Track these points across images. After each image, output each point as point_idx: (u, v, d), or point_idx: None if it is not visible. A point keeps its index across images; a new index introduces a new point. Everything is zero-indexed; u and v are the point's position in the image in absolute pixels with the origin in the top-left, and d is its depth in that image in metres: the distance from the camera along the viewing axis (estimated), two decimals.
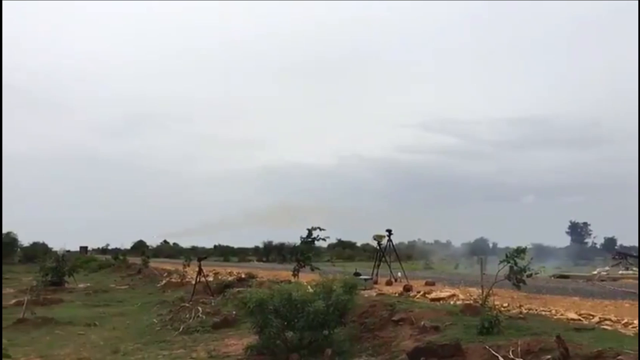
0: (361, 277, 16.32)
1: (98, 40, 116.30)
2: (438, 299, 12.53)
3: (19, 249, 53.81)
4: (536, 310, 10.67)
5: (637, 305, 10.54)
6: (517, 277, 8.96)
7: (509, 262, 8.99)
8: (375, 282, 17.18)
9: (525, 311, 10.49)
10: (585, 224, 75.41)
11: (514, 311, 10.39)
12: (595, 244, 74.03)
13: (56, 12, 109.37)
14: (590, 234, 76.10)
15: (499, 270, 9.18)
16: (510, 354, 6.73)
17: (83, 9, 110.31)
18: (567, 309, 10.48)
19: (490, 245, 56.58)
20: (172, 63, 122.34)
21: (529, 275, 8.93)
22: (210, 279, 21.15)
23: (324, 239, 17.27)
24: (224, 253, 67.51)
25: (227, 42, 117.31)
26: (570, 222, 75.67)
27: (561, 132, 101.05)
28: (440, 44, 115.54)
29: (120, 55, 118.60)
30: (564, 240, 73.49)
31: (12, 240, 51.37)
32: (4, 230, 50.11)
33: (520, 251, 8.99)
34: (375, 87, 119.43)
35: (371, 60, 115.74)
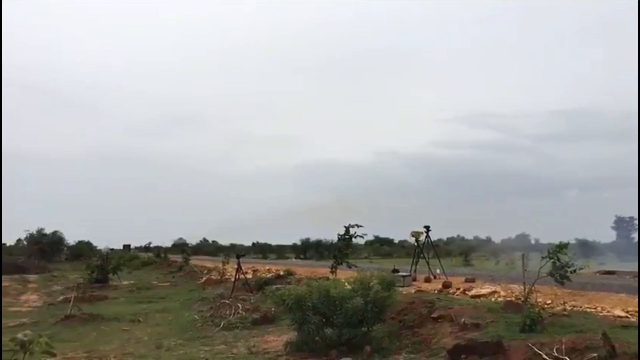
0: (399, 274, 16.20)
1: (134, 43, 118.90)
2: (478, 296, 12.33)
3: (65, 248, 55.54)
4: (581, 307, 10.37)
5: None
6: (561, 274, 8.74)
7: (551, 258, 8.77)
8: (414, 279, 17.04)
9: (569, 308, 10.22)
10: (632, 218, 72.71)
11: (557, 308, 10.12)
12: None
13: (94, 15, 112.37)
14: (637, 229, 73.37)
15: (541, 267, 8.97)
16: (555, 351, 6.58)
17: (119, 12, 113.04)
18: (613, 306, 10.15)
19: (533, 241, 55.20)
20: (208, 63, 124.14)
21: (573, 271, 8.70)
22: (249, 276, 21.39)
23: (361, 236, 17.24)
24: (262, 250, 68.24)
25: (262, 41, 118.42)
26: (616, 216, 73.20)
27: (604, 123, 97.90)
28: (477, 37, 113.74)
29: (156, 57, 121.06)
30: (610, 236, 71.16)
31: (59, 239, 53.12)
32: (51, 230, 52.01)
33: (562, 246, 8.76)
34: (412, 82, 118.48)
35: (407, 55, 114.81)
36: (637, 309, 9.70)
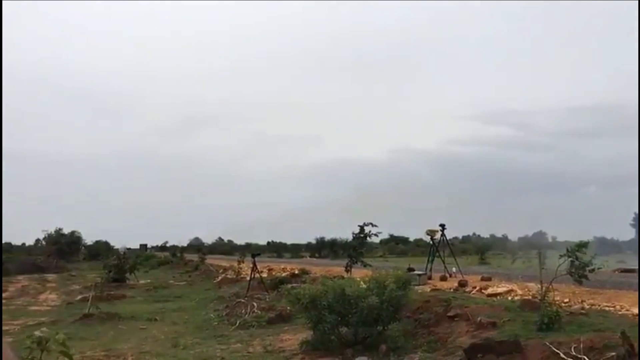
0: (415, 272, 16.15)
1: (158, 45, 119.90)
2: (495, 295, 12.25)
3: (83, 247, 56.16)
4: (599, 305, 10.25)
5: None
6: (579, 272, 8.63)
7: (569, 257, 8.66)
8: (429, 278, 16.97)
9: (587, 307, 10.10)
10: None
11: (575, 307, 10.02)
12: None
13: (118, 17, 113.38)
14: None
15: (559, 265, 8.87)
16: (572, 350, 6.51)
17: (142, 14, 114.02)
18: (632, 305, 9.99)
19: (550, 239, 54.53)
20: (227, 66, 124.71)
21: (592, 270, 8.58)
22: (265, 275, 21.45)
23: (376, 235, 17.21)
24: (277, 249, 68.38)
25: (278, 42, 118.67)
26: (635, 213, 72.06)
27: (623, 120, 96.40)
28: (495, 34, 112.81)
29: (176, 60, 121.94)
30: (629, 233, 70.16)
31: (77, 239, 53.76)
32: (69, 230, 52.67)
33: (582, 245, 8.65)
34: (428, 80, 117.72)
35: (423, 53, 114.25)
36: None
